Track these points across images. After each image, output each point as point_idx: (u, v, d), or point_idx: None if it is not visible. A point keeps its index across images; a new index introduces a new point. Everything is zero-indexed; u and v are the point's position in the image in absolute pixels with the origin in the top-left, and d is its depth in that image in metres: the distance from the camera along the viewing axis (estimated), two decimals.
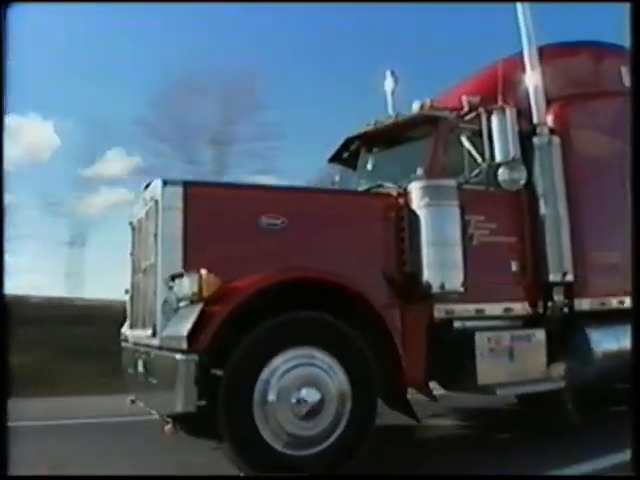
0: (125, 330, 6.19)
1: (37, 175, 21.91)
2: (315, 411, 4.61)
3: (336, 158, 7.18)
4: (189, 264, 4.79)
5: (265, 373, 4.54)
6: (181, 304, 4.66)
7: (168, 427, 4.67)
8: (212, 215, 5.08)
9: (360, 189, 6.55)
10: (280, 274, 4.73)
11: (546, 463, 4.95)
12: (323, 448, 4.65)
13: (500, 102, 5.65)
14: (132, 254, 6.05)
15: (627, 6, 3.21)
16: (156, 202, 5.10)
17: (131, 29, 27.11)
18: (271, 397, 4.51)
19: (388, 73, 7.02)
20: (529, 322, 6.11)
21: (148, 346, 5.13)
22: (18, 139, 22.13)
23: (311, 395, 4.62)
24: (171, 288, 4.79)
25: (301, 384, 4.62)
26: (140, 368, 5.28)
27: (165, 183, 5.06)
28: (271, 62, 31.99)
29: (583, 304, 6.19)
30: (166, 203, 5.00)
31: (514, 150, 5.53)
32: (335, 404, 4.71)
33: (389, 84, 6.92)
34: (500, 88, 5.74)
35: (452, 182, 5.58)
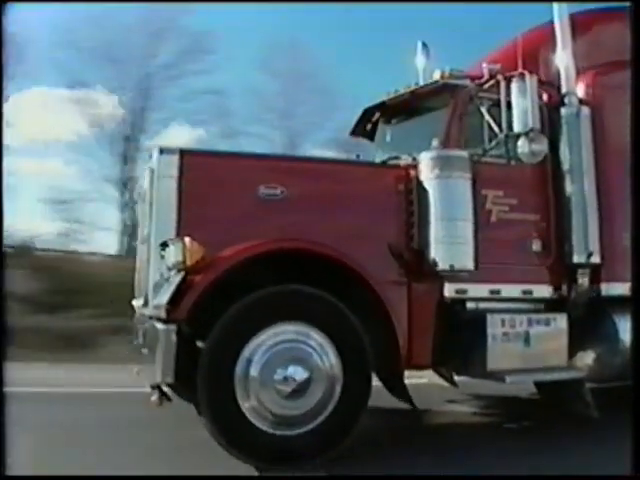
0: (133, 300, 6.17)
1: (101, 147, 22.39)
2: (301, 390, 4.44)
3: (357, 130, 6.89)
4: (183, 233, 4.67)
5: (249, 348, 4.39)
6: (171, 273, 4.56)
7: (153, 398, 4.61)
8: (209, 184, 4.95)
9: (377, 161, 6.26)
10: (266, 244, 4.56)
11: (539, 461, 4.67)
12: (310, 428, 4.49)
13: (520, 69, 5.24)
14: (139, 225, 6.01)
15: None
16: (152, 170, 5.01)
17: None
18: (254, 373, 4.36)
19: (419, 46, 6.67)
20: (552, 306, 5.71)
21: (143, 316, 5.07)
22: (84, 111, 22.52)
23: (297, 373, 4.45)
24: (163, 257, 4.70)
25: (287, 361, 4.45)
26: (139, 338, 5.23)
27: (162, 151, 4.95)
28: None
29: (611, 289, 5.71)
30: (162, 171, 4.91)
31: (533, 120, 5.11)
32: (324, 385, 4.52)
33: (420, 59, 6.56)
34: (521, 57, 5.32)
35: (464, 153, 5.26)
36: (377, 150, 6.56)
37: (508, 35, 6.50)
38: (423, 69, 6.43)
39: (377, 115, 6.56)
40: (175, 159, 4.88)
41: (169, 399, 4.79)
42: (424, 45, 6.69)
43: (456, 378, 5.98)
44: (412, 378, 7.18)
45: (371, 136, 6.83)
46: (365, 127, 6.76)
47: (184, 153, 4.95)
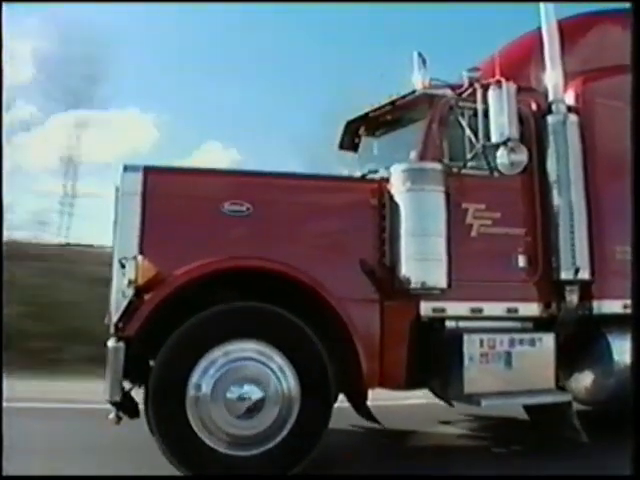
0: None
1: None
2: (254, 410, 4.31)
3: (344, 144, 6.71)
4: (146, 251, 4.63)
5: (201, 366, 4.30)
6: (128, 291, 4.53)
7: (111, 416, 4.56)
8: (173, 201, 4.90)
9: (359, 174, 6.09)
10: (218, 262, 4.46)
11: None
12: (266, 449, 4.35)
13: (497, 76, 5.00)
14: None
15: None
16: (117, 188, 4.99)
17: None
18: (205, 393, 4.26)
19: (415, 55, 6.47)
20: (542, 325, 5.42)
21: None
22: (118, 132, 23.09)
23: (251, 393, 4.33)
24: (124, 275, 4.67)
25: (242, 380, 4.34)
26: None
27: (125, 168, 4.93)
28: None
29: (603, 307, 5.39)
30: (126, 189, 4.88)
31: (511, 130, 4.87)
32: (279, 405, 4.39)
33: (417, 68, 6.34)
34: (506, 65, 5.10)
35: (437, 165, 5.06)
36: (362, 163, 6.38)
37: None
38: (419, 79, 6.23)
39: (362, 128, 6.40)
40: (139, 177, 4.85)
41: (136, 415, 4.70)
42: (420, 56, 6.49)
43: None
44: (412, 398, 7.06)
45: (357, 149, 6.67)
46: (353, 140, 6.60)
47: (148, 170, 4.91)
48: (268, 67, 35.76)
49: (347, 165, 7.02)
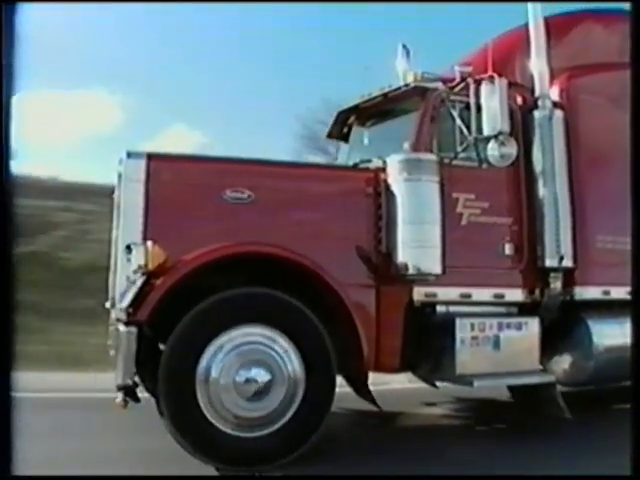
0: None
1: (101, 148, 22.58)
2: (262, 392, 4.46)
3: (333, 133, 6.89)
4: (149, 237, 4.69)
5: (210, 350, 4.42)
6: (135, 276, 4.60)
7: (118, 400, 4.63)
8: (175, 188, 4.98)
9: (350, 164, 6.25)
10: (226, 248, 4.57)
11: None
12: (273, 430, 4.50)
13: (491, 72, 5.22)
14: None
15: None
16: (120, 175, 5.04)
17: None
18: (214, 376, 4.39)
19: (399, 48, 6.63)
20: (525, 310, 5.69)
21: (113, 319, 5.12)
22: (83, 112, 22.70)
23: (259, 375, 4.47)
24: (129, 260, 4.73)
25: (249, 363, 4.48)
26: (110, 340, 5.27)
27: (129, 155, 4.98)
28: None
29: (585, 293, 5.71)
30: (128, 175, 4.93)
31: (502, 123, 5.09)
32: (286, 387, 4.54)
33: (401, 61, 6.51)
34: (494, 60, 5.29)
35: (432, 156, 5.25)
36: (351, 153, 6.55)
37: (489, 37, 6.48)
38: (404, 72, 6.39)
39: (352, 118, 6.56)
40: (142, 163, 4.90)
41: (137, 400, 4.79)
42: (404, 47, 6.65)
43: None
44: (393, 383, 7.29)
45: (347, 139, 6.83)
46: (341, 130, 6.76)
47: (151, 157, 4.97)
48: (236, 50, 35.46)
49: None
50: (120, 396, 4.58)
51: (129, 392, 4.56)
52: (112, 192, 5.54)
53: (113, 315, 4.98)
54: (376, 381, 6.07)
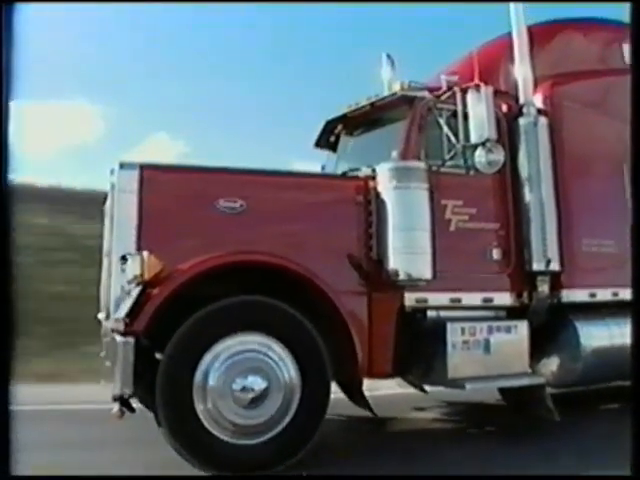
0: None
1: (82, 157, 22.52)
2: (259, 399, 4.50)
3: (321, 142, 6.96)
4: (143, 247, 4.73)
5: (207, 358, 4.46)
6: (131, 286, 4.62)
7: (114, 410, 4.64)
8: (168, 198, 5.02)
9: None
10: (221, 257, 4.62)
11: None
12: (269, 437, 4.55)
13: (477, 80, 5.33)
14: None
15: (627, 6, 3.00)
16: (113, 185, 5.07)
17: None
18: (212, 384, 4.43)
19: (384, 57, 6.72)
20: (513, 314, 5.79)
21: (107, 329, 5.12)
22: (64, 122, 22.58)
23: (255, 383, 4.52)
24: (123, 271, 4.76)
25: (245, 371, 4.52)
26: (104, 351, 5.28)
27: (122, 166, 5.01)
28: None
29: (572, 295, 5.82)
30: (122, 186, 4.96)
31: (489, 130, 5.20)
32: (281, 394, 4.59)
33: (386, 70, 6.60)
34: (479, 68, 5.41)
35: (421, 164, 5.34)
36: (339, 161, 6.63)
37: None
38: (389, 81, 6.49)
39: (339, 127, 6.64)
40: (135, 174, 4.94)
41: (132, 410, 4.81)
42: (388, 57, 6.75)
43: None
44: (383, 388, 7.35)
45: (335, 148, 6.91)
46: (328, 139, 6.84)
47: (144, 168, 5.00)
48: (219, 60, 35.55)
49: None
50: (116, 406, 4.62)
51: (124, 402, 4.60)
52: (104, 202, 5.57)
53: (107, 326, 5.01)
54: (366, 387, 6.16)
